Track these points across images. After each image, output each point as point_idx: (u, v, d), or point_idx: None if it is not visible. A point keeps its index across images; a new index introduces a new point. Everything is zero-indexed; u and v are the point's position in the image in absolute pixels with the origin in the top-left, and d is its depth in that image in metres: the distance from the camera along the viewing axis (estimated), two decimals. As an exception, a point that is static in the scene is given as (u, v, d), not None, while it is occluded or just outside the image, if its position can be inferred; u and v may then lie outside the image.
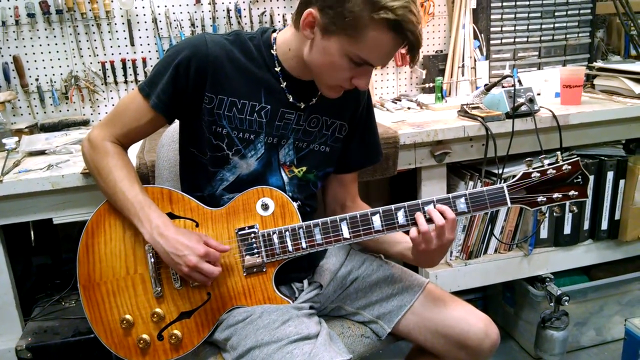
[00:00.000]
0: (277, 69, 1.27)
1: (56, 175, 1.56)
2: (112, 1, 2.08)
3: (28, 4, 2.01)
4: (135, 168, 1.57)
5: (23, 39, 2.05)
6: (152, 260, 1.24)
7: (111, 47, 2.14)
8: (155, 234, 1.18)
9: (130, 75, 2.17)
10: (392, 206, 1.25)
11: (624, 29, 2.55)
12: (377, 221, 1.25)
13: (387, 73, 2.44)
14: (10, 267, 1.65)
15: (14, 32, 2.04)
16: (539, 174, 1.25)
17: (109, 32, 2.12)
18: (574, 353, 2.22)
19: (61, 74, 2.11)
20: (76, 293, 1.27)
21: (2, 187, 1.53)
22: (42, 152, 1.77)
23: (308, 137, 1.33)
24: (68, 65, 2.11)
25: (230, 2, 2.20)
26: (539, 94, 2.19)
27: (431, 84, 2.30)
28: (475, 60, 2.36)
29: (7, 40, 2.04)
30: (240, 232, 1.27)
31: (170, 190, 1.29)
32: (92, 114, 2.16)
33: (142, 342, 1.25)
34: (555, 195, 1.26)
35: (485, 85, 1.98)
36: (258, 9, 2.24)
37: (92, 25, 2.09)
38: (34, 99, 2.11)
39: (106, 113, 1.34)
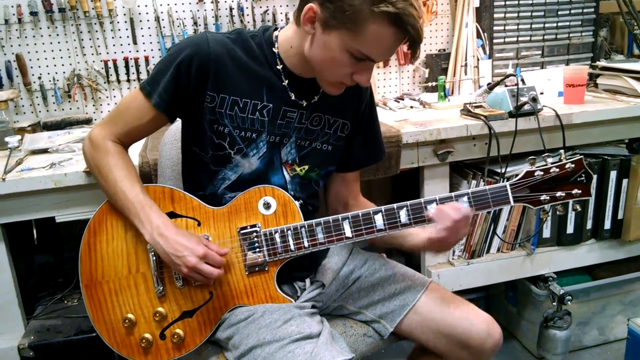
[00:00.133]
0: (279, 67, 1.26)
1: (59, 173, 1.56)
2: (114, -1, 2.08)
3: (31, 2, 2.01)
4: (138, 166, 1.58)
5: (26, 37, 2.05)
6: (154, 259, 1.24)
7: (114, 45, 2.14)
8: (155, 234, 1.18)
9: (133, 73, 2.17)
10: (395, 205, 1.25)
11: (627, 28, 2.54)
12: (379, 220, 1.24)
13: (389, 72, 2.43)
14: (13, 266, 1.65)
15: (16, 30, 2.04)
16: (542, 173, 1.25)
17: (111, 30, 2.12)
18: (577, 353, 2.21)
19: (64, 72, 2.11)
20: (78, 292, 1.27)
21: (4, 186, 1.53)
22: (44, 151, 1.78)
23: (310, 136, 1.32)
24: (71, 64, 2.11)
25: (232, 1, 2.20)
26: (542, 93, 2.18)
27: (434, 83, 2.29)
28: (478, 59, 2.36)
29: (10, 38, 2.04)
30: (242, 231, 1.27)
31: (172, 189, 1.29)
32: (94, 113, 2.16)
33: (144, 341, 1.25)
34: (559, 193, 1.26)
35: (488, 84, 1.97)
36: (260, 7, 2.24)
37: (95, 23, 2.10)
38: (37, 97, 2.11)
39: (109, 111, 1.34)
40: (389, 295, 1.38)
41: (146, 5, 2.14)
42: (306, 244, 1.26)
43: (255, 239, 1.26)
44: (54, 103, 2.13)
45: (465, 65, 2.35)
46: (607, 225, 2.11)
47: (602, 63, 2.29)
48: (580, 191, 1.25)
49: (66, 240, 2.14)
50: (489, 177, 1.89)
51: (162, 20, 2.16)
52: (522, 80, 2.22)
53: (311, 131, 1.32)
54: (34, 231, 1.72)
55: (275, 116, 1.28)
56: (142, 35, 2.16)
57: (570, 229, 2.08)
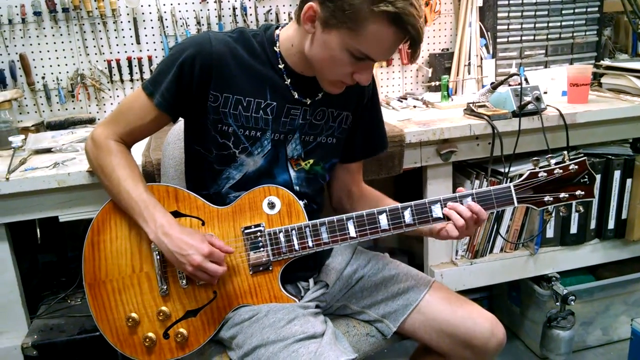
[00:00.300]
0: (281, 66, 1.26)
1: (62, 173, 1.56)
2: (118, -1, 2.08)
3: (34, 2, 2.01)
4: (141, 166, 1.58)
5: (29, 37, 2.06)
6: (158, 258, 1.24)
7: (117, 45, 2.14)
8: (159, 233, 1.18)
9: (136, 73, 2.17)
10: (399, 205, 1.25)
11: (631, 27, 2.53)
12: (383, 220, 1.24)
13: (392, 71, 2.43)
14: (17, 265, 1.65)
15: (20, 30, 2.04)
16: (545, 174, 1.25)
17: (115, 30, 2.12)
18: (580, 353, 2.21)
19: (67, 72, 2.12)
20: (82, 291, 1.27)
21: (8, 185, 1.53)
22: (48, 150, 1.78)
23: (315, 130, 1.32)
24: (74, 64, 2.12)
25: (236, 0, 2.20)
26: (545, 93, 2.18)
27: (437, 83, 2.29)
28: (481, 59, 2.35)
29: (14, 38, 2.04)
30: (246, 231, 1.27)
31: (176, 188, 1.29)
32: (98, 112, 2.17)
33: (147, 340, 1.25)
34: (562, 195, 1.25)
35: (492, 83, 1.97)
36: (264, 7, 2.23)
37: (98, 23, 2.10)
38: (41, 97, 2.11)
39: (111, 111, 1.35)
40: (392, 295, 1.38)
41: (149, 5, 2.14)
42: (310, 244, 1.26)
43: (260, 238, 1.26)
44: (57, 103, 2.13)
45: (469, 64, 2.35)
46: (611, 225, 2.10)
47: (606, 62, 2.29)
48: (583, 192, 1.25)
49: (69, 240, 2.14)
50: (492, 177, 1.89)
51: (165, 20, 2.16)
52: (526, 79, 2.22)
53: (315, 126, 1.32)
54: (38, 230, 1.72)
55: (279, 114, 1.27)
56: (145, 35, 2.16)
57: (573, 229, 2.08)
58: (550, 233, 2.07)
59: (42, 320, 1.75)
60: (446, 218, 1.24)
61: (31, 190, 1.55)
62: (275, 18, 2.24)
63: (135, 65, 2.16)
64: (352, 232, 1.25)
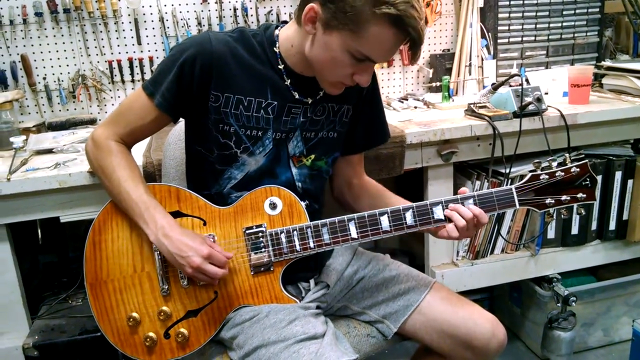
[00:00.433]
0: (281, 66, 1.26)
1: (63, 173, 1.56)
2: (119, 0, 2.08)
3: (36, 3, 2.01)
4: (142, 167, 1.58)
5: (31, 37, 2.06)
6: (159, 258, 1.24)
7: (118, 46, 2.14)
8: (160, 234, 1.18)
9: (137, 74, 2.17)
10: (401, 206, 1.25)
11: (632, 27, 2.53)
12: (385, 222, 1.24)
13: (393, 72, 2.43)
14: (18, 265, 1.65)
15: (21, 31, 2.04)
16: (547, 176, 1.24)
17: (116, 31, 2.12)
18: (581, 354, 2.21)
19: (68, 72, 2.12)
20: (83, 291, 1.28)
21: (9, 186, 1.53)
22: (49, 151, 1.78)
23: (316, 127, 1.32)
24: (75, 64, 2.12)
25: (237, 1, 2.20)
26: (546, 93, 2.18)
27: (438, 83, 2.29)
28: (482, 59, 2.35)
29: (15, 39, 2.05)
30: (247, 231, 1.27)
31: (177, 188, 1.29)
32: (99, 113, 2.17)
33: (148, 340, 1.25)
34: (564, 197, 1.25)
35: (493, 84, 1.97)
36: (264, 7, 2.24)
37: (100, 24, 2.10)
38: (42, 97, 2.12)
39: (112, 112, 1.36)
40: (392, 296, 1.38)
41: (150, 6, 2.14)
42: (312, 245, 1.26)
43: (261, 239, 1.26)
44: (58, 103, 2.13)
45: (470, 65, 2.35)
46: (612, 226, 2.10)
47: (607, 63, 2.28)
48: (585, 195, 1.25)
49: (71, 240, 2.14)
50: (493, 178, 1.89)
51: (167, 20, 2.16)
52: (527, 80, 2.21)
53: (316, 122, 1.32)
54: (39, 231, 1.72)
55: (280, 113, 1.28)
56: (147, 36, 2.16)
57: (575, 230, 2.08)
58: (551, 234, 2.07)
59: (43, 321, 1.76)
60: (447, 219, 1.24)
61: (32, 190, 1.55)
62: (276, 19, 2.24)
63: (137, 66, 2.16)
64: (354, 233, 1.25)
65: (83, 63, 2.12)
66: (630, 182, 2.06)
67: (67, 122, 2.06)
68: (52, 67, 2.10)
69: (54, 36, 2.08)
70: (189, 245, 1.17)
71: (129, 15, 2.12)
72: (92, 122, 2.10)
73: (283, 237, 1.26)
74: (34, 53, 2.07)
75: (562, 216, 1.30)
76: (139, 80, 2.17)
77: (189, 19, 2.18)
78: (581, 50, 2.45)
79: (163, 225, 1.19)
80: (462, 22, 2.34)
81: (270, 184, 1.28)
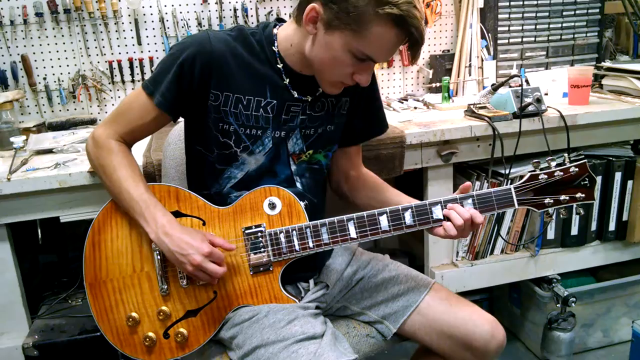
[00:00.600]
0: (280, 65, 1.27)
1: (63, 173, 1.56)
2: (119, 0, 2.08)
3: (36, 3, 2.02)
4: (142, 167, 1.59)
5: (31, 38, 2.06)
6: (159, 258, 1.24)
7: (118, 46, 2.14)
8: (160, 233, 1.19)
9: (137, 74, 2.17)
10: (400, 206, 1.25)
11: (632, 28, 2.53)
12: (384, 221, 1.24)
13: (393, 72, 2.43)
14: (17, 265, 1.66)
15: (22, 31, 2.05)
16: (546, 176, 1.25)
17: (116, 31, 2.13)
18: (581, 355, 2.20)
19: (69, 73, 2.12)
20: (83, 291, 1.28)
21: (9, 186, 1.53)
22: (49, 151, 1.78)
23: (315, 123, 1.32)
24: (75, 65, 2.12)
25: (237, 2, 2.20)
26: (546, 94, 2.18)
27: (438, 84, 2.29)
28: (482, 60, 2.35)
29: (16, 39, 2.05)
30: (247, 231, 1.27)
31: (177, 188, 1.29)
32: (99, 113, 2.17)
33: (148, 340, 1.25)
34: (562, 197, 1.26)
35: (493, 85, 1.97)
36: (265, 8, 2.24)
37: (100, 24, 2.10)
38: (42, 97, 2.12)
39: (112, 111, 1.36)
40: (392, 296, 1.38)
41: (151, 6, 2.14)
42: (311, 245, 1.26)
43: (260, 239, 1.27)
44: (58, 103, 2.13)
45: (470, 66, 2.35)
46: (612, 226, 2.10)
47: (607, 64, 2.28)
48: (584, 195, 1.25)
49: (70, 240, 2.14)
50: (492, 179, 1.89)
51: (167, 21, 2.16)
52: (527, 81, 2.22)
53: (315, 118, 1.32)
54: (39, 231, 1.72)
55: (280, 112, 1.28)
56: (147, 36, 2.16)
57: (574, 231, 2.08)
58: (551, 235, 2.07)
59: (43, 321, 1.76)
60: (446, 219, 1.24)
61: (32, 190, 1.55)
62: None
63: (137, 66, 2.17)
64: (353, 233, 1.25)
65: (83, 63, 2.13)
66: (630, 182, 2.06)
67: (67, 122, 2.06)
68: (52, 67, 2.10)
69: (55, 36, 2.08)
70: (189, 244, 1.17)
71: (129, 15, 2.13)
72: (92, 122, 2.10)
73: (282, 237, 1.26)
74: (34, 53, 2.07)
75: (561, 216, 1.31)
76: (139, 81, 2.18)
77: (189, 19, 2.18)
78: (581, 51, 2.46)
79: (163, 224, 1.19)
80: (462, 22, 2.34)
81: (270, 183, 1.29)
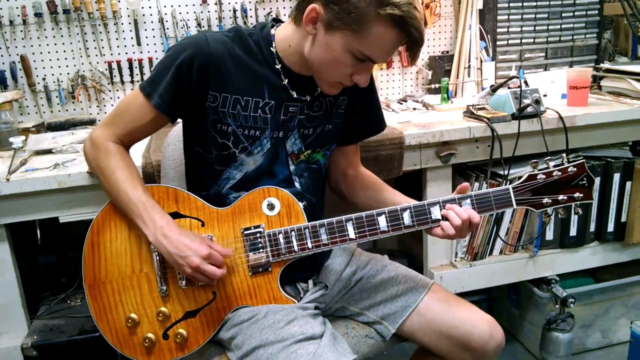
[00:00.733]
0: (278, 66, 1.27)
1: (62, 174, 1.56)
2: (119, 1, 2.09)
3: (35, 3, 2.02)
4: (141, 167, 1.58)
5: (30, 38, 2.06)
6: (158, 259, 1.24)
7: (118, 46, 2.14)
8: (158, 234, 1.19)
9: (137, 75, 2.17)
10: (398, 207, 1.26)
11: (631, 30, 2.54)
12: (382, 222, 1.25)
13: (392, 74, 2.43)
14: (17, 265, 1.66)
15: (21, 31, 2.05)
16: (544, 176, 1.25)
17: (115, 31, 2.13)
18: (580, 355, 2.21)
19: (68, 73, 2.12)
20: (82, 292, 1.28)
21: (8, 186, 1.53)
22: (48, 151, 1.78)
23: (313, 122, 1.33)
24: (75, 65, 2.12)
25: (236, 2, 2.20)
26: (545, 95, 2.18)
27: (437, 85, 2.29)
28: (481, 61, 2.36)
29: (15, 39, 2.05)
30: (245, 232, 1.27)
31: (175, 189, 1.29)
32: (98, 114, 2.17)
33: (147, 341, 1.25)
34: (561, 197, 1.26)
35: (492, 86, 1.97)
36: (264, 9, 2.24)
37: (99, 25, 2.10)
38: (41, 98, 2.12)
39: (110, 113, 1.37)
40: (391, 297, 1.38)
41: (150, 7, 2.14)
42: (310, 245, 1.26)
43: (259, 239, 1.27)
44: (58, 104, 2.14)
45: (469, 67, 2.35)
46: (611, 227, 2.10)
47: (606, 65, 2.29)
48: (582, 195, 1.26)
49: (70, 241, 2.14)
50: (491, 180, 1.89)
51: (166, 21, 2.16)
52: (526, 82, 2.22)
53: (314, 118, 1.32)
54: (38, 231, 1.72)
55: (278, 112, 1.28)
56: (146, 37, 2.17)
57: (573, 232, 2.08)
58: (549, 235, 2.07)
59: (42, 321, 1.76)
60: (444, 219, 1.25)
61: (31, 191, 1.55)
62: (275, 20, 2.25)
63: (136, 67, 2.17)
64: (351, 233, 1.25)
65: (82, 64, 2.13)
66: (628, 184, 2.07)
67: (66, 122, 2.06)
68: (51, 67, 2.10)
69: (54, 37, 2.08)
70: (187, 246, 1.17)
71: (128, 16, 2.13)
72: (91, 122, 2.11)
73: (281, 237, 1.26)
74: (33, 54, 2.08)
75: (560, 216, 1.31)
76: (138, 81, 2.18)
77: (188, 20, 2.18)
78: (580, 52, 2.46)
79: (162, 226, 1.19)
80: (461, 24, 2.34)
81: (269, 184, 1.29)
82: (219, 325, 1.27)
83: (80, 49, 2.11)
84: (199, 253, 1.17)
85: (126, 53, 2.16)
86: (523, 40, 2.39)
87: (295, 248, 1.26)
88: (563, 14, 2.40)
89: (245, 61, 1.25)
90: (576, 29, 2.43)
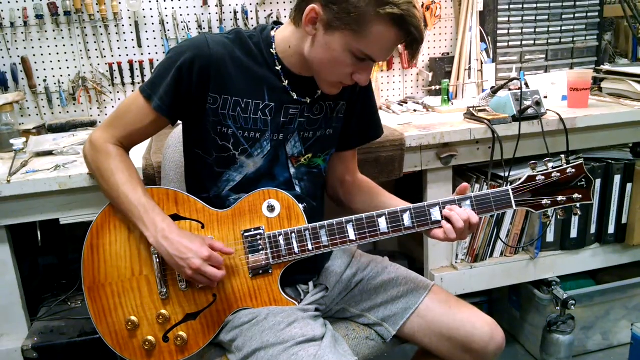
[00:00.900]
0: (278, 67, 1.27)
1: (63, 175, 1.57)
2: (119, 3, 2.09)
3: (36, 5, 2.02)
4: (142, 169, 1.59)
5: (31, 40, 2.07)
6: (158, 261, 1.24)
7: (118, 48, 2.15)
8: (159, 237, 1.19)
9: (138, 76, 2.18)
10: (399, 208, 1.26)
11: (631, 32, 2.54)
12: (383, 223, 1.25)
13: (393, 75, 2.44)
14: (17, 267, 1.66)
15: (22, 33, 2.05)
16: (543, 177, 1.25)
17: (116, 33, 2.13)
18: (580, 357, 2.20)
19: (69, 75, 2.12)
20: (82, 293, 1.28)
21: (9, 188, 1.54)
22: (49, 153, 1.78)
23: (313, 126, 1.33)
24: (76, 67, 2.12)
25: (237, 4, 2.21)
26: (545, 97, 2.18)
27: (438, 87, 2.29)
28: (482, 63, 2.36)
29: (16, 41, 2.05)
30: (246, 234, 1.27)
31: (176, 191, 1.29)
32: (99, 115, 2.17)
33: (147, 343, 1.25)
34: (560, 198, 1.26)
35: (492, 87, 1.97)
36: (265, 10, 2.24)
37: (100, 26, 2.11)
38: (42, 100, 2.12)
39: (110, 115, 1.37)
40: (391, 298, 1.38)
41: (151, 9, 2.15)
42: (310, 247, 1.26)
43: (259, 241, 1.27)
44: (59, 106, 2.14)
45: (469, 68, 2.35)
46: (611, 229, 2.10)
47: (607, 67, 2.29)
48: (581, 196, 1.26)
49: (70, 242, 2.14)
50: (492, 181, 1.89)
51: (167, 23, 2.17)
52: (526, 84, 2.22)
53: (314, 121, 1.32)
54: (38, 233, 1.72)
55: (278, 114, 1.28)
56: (147, 39, 2.17)
57: (574, 234, 2.08)
58: (550, 237, 2.07)
59: (42, 323, 1.76)
60: (446, 220, 1.24)
61: (32, 192, 1.56)
62: (276, 22, 2.25)
63: (137, 69, 2.17)
64: (352, 235, 1.25)
65: (83, 65, 2.13)
66: (629, 185, 2.06)
67: (67, 124, 2.06)
68: (52, 69, 2.10)
69: (55, 38, 2.08)
70: (188, 247, 1.17)
71: (129, 18, 2.13)
72: (92, 124, 2.11)
73: (281, 239, 1.26)
74: (34, 55, 2.08)
75: (559, 217, 1.31)
76: (139, 83, 2.18)
77: (189, 21, 2.18)
78: (580, 54, 2.46)
79: (162, 228, 1.19)
80: (461, 25, 2.35)
81: (269, 186, 1.29)
82: (220, 327, 1.27)
83: (81, 50, 2.12)
84: (199, 255, 1.17)
85: (127, 55, 2.16)
86: (523, 42, 2.39)
87: (296, 250, 1.26)
88: (563, 16, 2.41)
89: (245, 63, 1.25)
90: (576, 30, 2.43)
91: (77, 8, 2.05)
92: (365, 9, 1.09)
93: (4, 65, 2.06)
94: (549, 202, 1.26)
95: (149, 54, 2.18)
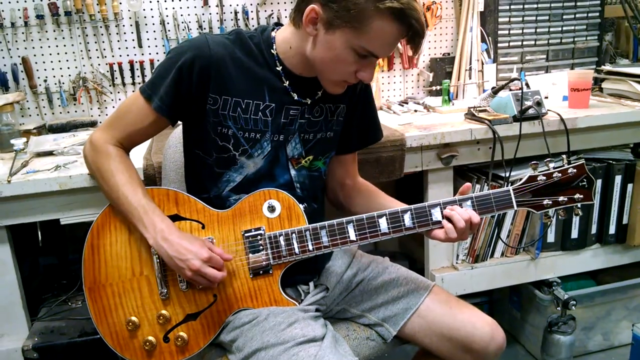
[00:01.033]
0: (279, 68, 1.27)
1: (64, 176, 1.56)
2: (120, 3, 2.09)
3: (37, 5, 2.02)
4: (142, 169, 1.59)
5: (32, 40, 2.07)
6: (158, 261, 1.24)
7: (119, 48, 2.15)
8: (159, 238, 1.19)
9: (138, 77, 2.18)
10: (399, 208, 1.25)
11: (632, 32, 2.54)
12: (383, 224, 1.24)
13: (394, 76, 2.43)
14: (18, 267, 1.66)
15: (22, 33, 2.05)
16: (544, 177, 1.25)
17: (117, 33, 2.13)
18: (581, 358, 2.20)
19: (69, 75, 2.12)
20: (83, 294, 1.28)
21: (10, 188, 1.54)
22: (50, 153, 1.78)
23: (314, 128, 1.33)
24: (76, 67, 2.12)
25: (237, 4, 2.21)
26: (546, 97, 2.18)
27: (438, 87, 2.29)
28: (482, 63, 2.36)
29: (16, 41, 2.05)
30: (246, 234, 1.27)
31: (176, 191, 1.29)
32: (99, 116, 2.17)
33: (148, 344, 1.25)
34: (561, 198, 1.26)
35: (493, 88, 1.97)
36: (265, 11, 2.24)
37: (101, 27, 2.11)
38: (42, 100, 2.12)
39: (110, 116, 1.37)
40: (392, 299, 1.38)
41: (151, 9, 2.15)
42: (310, 248, 1.26)
43: (260, 242, 1.27)
44: (59, 106, 2.14)
45: (470, 69, 2.35)
46: (612, 230, 2.10)
47: (607, 67, 2.29)
48: (582, 196, 1.26)
49: (71, 242, 2.14)
50: (493, 182, 1.89)
51: (168, 23, 2.17)
52: (527, 84, 2.22)
53: (315, 123, 1.32)
54: (39, 233, 1.72)
55: (279, 115, 1.28)
56: (148, 39, 2.17)
57: (574, 234, 2.08)
58: (551, 238, 2.07)
59: (42, 323, 1.76)
60: (448, 219, 1.24)
61: (33, 192, 1.56)
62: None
63: (137, 69, 2.17)
64: (352, 235, 1.25)
65: (84, 65, 2.13)
66: (630, 186, 2.06)
67: (67, 124, 2.06)
68: (53, 69, 2.10)
69: (55, 39, 2.08)
70: (188, 249, 1.17)
71: (130, 18, 2.13)
72: (92, 124, 2.11)
73: (282, 240, 1.26)
74: (35, 55, 2.08)
75: (560, 217, 1.31)
76: (139, 83, 2.18)
77: (189, 22, 2.18)
78: (581, 54, 2.46)
79: (162, 229, 1.19)
80: (462, 26, 2.35)
81: (269, 187, 1.29)
82: (220, 327, 1.27)
83: (81, 50, 2.12)
84: (199, 256, 1.17)
85: (127, 55, 2.16)
86: (524, 43, 2.39)
87: (296, 250, 1.26)
88: (564, 16, 2.41)
89: (245, 64, 1.25)
90: (577, 31, 2.43)
91: (77, 8, 2.05)
92: (364, 5, 1.09)
93: (5, 65, 2.06)
94: (550, 202, 1.26)
95: (150, 54, 2.18)
